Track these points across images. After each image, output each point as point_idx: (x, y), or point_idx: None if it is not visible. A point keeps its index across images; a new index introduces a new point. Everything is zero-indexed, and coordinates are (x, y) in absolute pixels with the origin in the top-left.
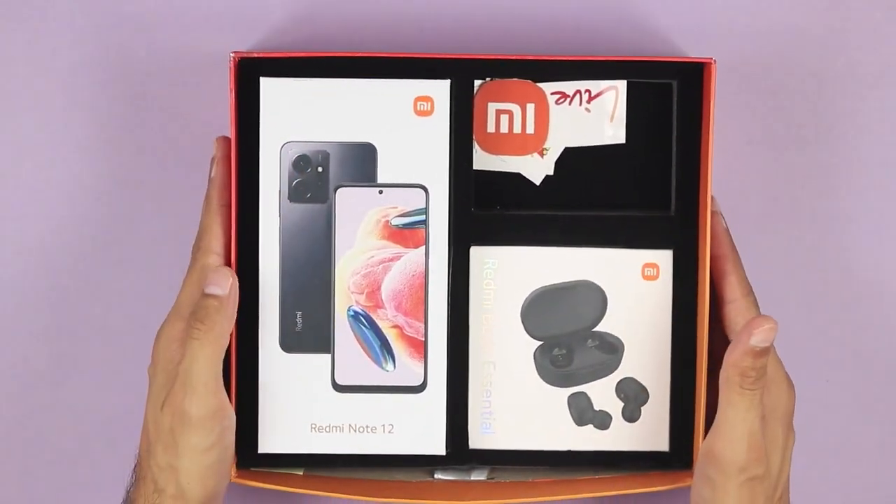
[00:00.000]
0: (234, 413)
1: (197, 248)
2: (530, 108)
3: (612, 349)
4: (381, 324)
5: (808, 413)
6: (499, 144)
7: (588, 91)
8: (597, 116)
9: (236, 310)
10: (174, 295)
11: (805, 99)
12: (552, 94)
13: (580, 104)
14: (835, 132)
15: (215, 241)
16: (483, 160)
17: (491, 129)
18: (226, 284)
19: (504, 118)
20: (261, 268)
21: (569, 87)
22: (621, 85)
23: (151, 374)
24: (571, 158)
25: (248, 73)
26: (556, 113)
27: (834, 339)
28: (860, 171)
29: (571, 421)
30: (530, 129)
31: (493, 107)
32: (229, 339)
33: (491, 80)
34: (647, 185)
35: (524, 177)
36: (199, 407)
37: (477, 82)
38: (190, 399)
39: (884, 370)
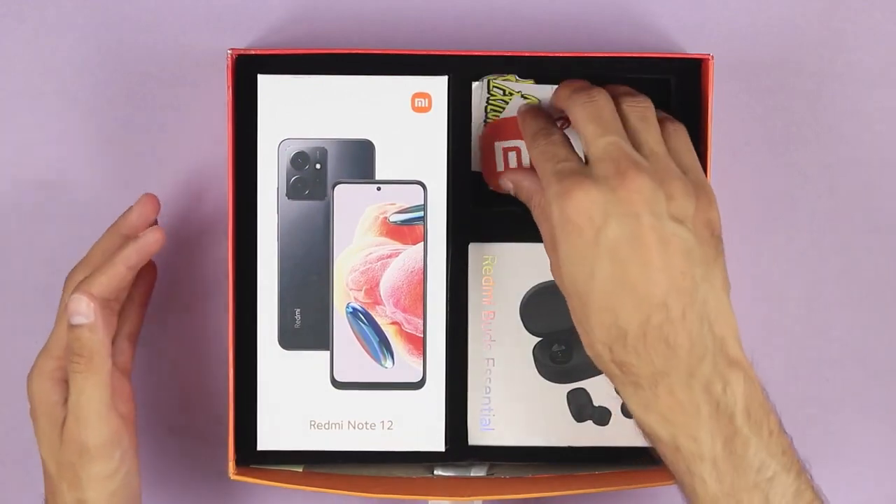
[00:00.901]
0: (131, 435)
1: (65, 287)
2: None
3: None
4: (379, 320)
5: (809, 413)
6: None
7: None
8: None
9: (109, 333)
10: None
11: (805, 99)
12: (556, 119)
13: None
14: (835, 132)
15: (101, 287)
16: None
17: (500, 167)
18: (88, 311)
19: (512, 155)
20: (259, 265)
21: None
22: None
23: (33, 418)
24: None
25: (246, 70)
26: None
27: (834, 339)
28: (860, 171)
29: (571, 417)
30: None
31: (499, 146)
32: (110, 364)
33: (493, 119)
34: None
35: None
36: (96, 436)
37: (479, 123)
38: (85, 431)
39: (884, 370)
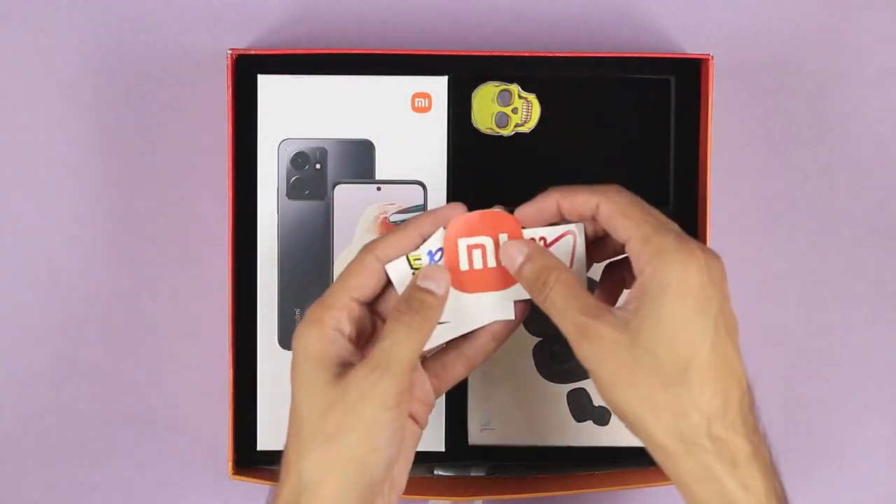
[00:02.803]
0: (411, 434)
1: (369, 245)
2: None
3: None
4: None
5: (809, 413)
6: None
7: (543, 239)
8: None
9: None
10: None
11: (805, 99)
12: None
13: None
14: (835, 132)
15: (388, 249)
16: None
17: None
18: (443, 283)
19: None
20: (259, 265)
21: (525, 233)
22: (577, 229)
23: (299, 371)
24: (570, 156)
25: (246, 70)
26: None
27: (834, 339)
28: (860, 171)
29: (571, 417)
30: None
31: (463, 243)
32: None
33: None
34: (645, 180)
35: (523, 172)
36: (388, 386)
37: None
38: (381, 379)
39: (884, 370)
